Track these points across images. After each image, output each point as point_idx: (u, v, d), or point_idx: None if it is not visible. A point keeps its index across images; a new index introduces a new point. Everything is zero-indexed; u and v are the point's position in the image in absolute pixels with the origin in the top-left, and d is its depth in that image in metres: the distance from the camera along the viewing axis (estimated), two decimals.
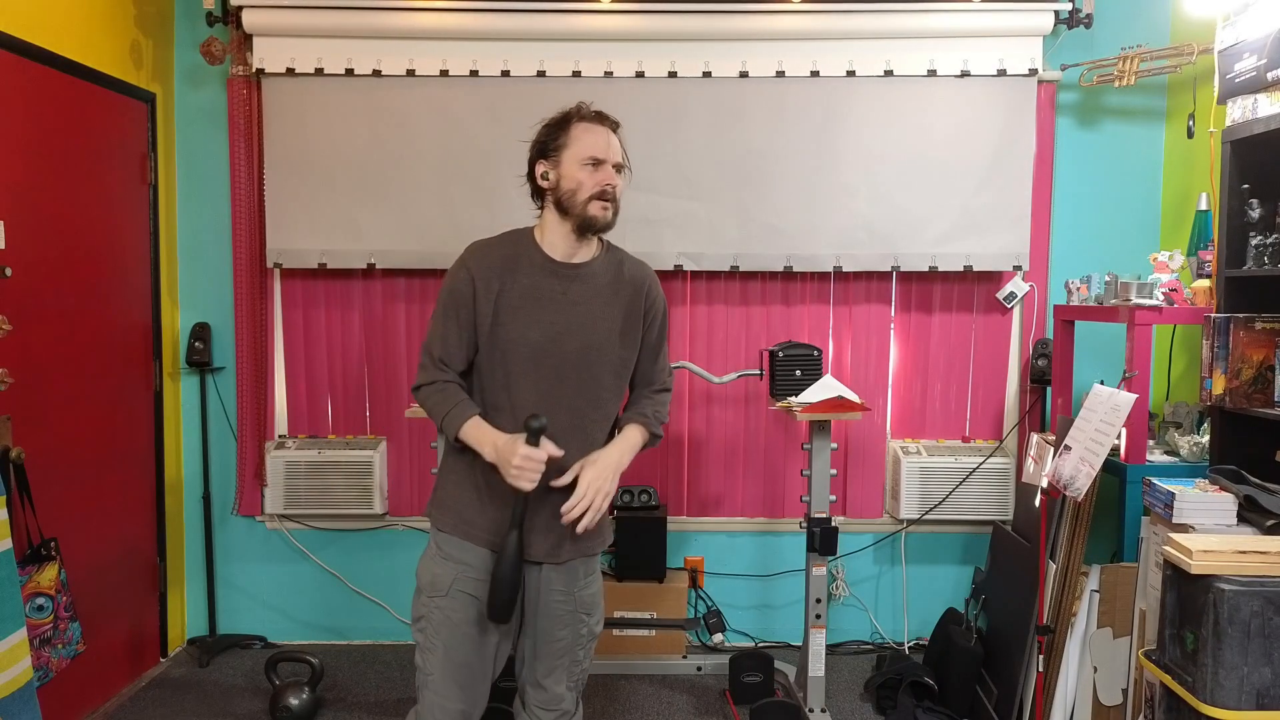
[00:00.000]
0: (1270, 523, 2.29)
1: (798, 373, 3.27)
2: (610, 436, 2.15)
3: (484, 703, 2.15)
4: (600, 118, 2.09)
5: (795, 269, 3.69)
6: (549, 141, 2.07)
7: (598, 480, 2.01)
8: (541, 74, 3.60)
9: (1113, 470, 2.91)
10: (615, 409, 2.17)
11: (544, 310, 2.04)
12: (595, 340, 2.07)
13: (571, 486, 2.02)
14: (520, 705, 2.21)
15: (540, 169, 2.09)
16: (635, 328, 2.15)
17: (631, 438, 2.12)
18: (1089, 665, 2.76)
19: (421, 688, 2.11)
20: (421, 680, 2.11)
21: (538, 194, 2.12)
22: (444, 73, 3.59)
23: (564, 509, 1.99)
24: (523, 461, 1.92)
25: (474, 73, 3.60)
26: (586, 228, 2.05)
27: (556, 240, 2.08)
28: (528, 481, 1.94)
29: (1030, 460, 2.99)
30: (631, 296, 2.13)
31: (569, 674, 2.17)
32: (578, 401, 2.07)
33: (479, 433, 2.01)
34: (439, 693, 2.08)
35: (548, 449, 1.96)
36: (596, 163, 2.03)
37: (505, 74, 3.60)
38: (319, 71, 3.59)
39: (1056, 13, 3.56)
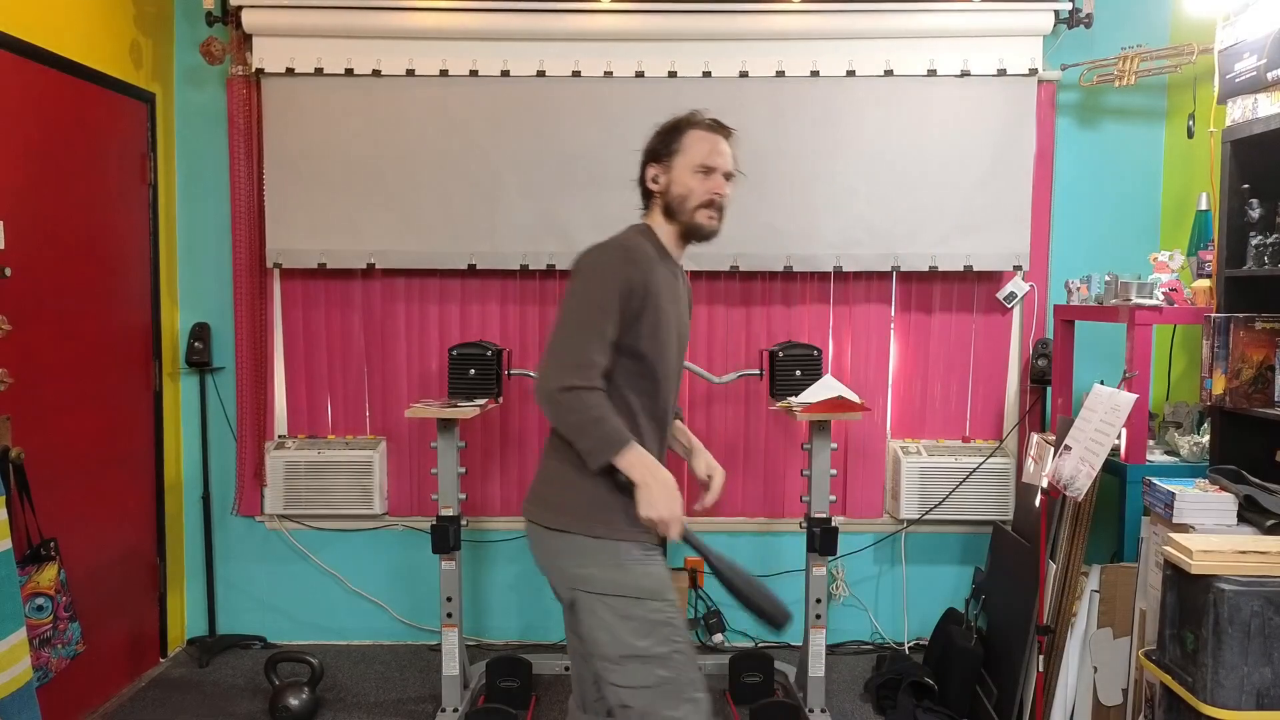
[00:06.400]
0: (1270, 523, 2.29)
1: (798, 373, 3.27)
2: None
3: None
4: (715, 126, 2.08)
5: (795, 269, 3.69)
6: (662, 146, 2.07)
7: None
8: (541, 74, 3.60)
9: (1113, 470, 2.91)
10: None
11: (682, 311, 2.08)
12: (682, 341, 2.14)
13: None
14: (579, 711, 2.23)
15: (651, 172, 2.08)
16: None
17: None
18: (1089, 665, 2.76)
19: (685, 700, 1.92)
20: (678, 690, 1.92)
21: (646, 196, 2.11)
22: (444, 73, 3.59)
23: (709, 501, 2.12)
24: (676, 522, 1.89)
25: (474, 73, 3.60)
26: (692, 234, 2.06)
27: (667, 243, 2.09)
28: (674, 534, 1.90)
29: (1030, 460, 2.99)
30: (689, 294, 2.23)
31: (586, 696, 2.20)
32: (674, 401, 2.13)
33: (645, 461, 1.88)
34: (701, 690, 1.95)
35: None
36: (708, 170, 2.04)
37: (505, 74, 3.60)
38: (319, 71, 3.58)
39: (1056, 12, 3.56)
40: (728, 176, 2.07)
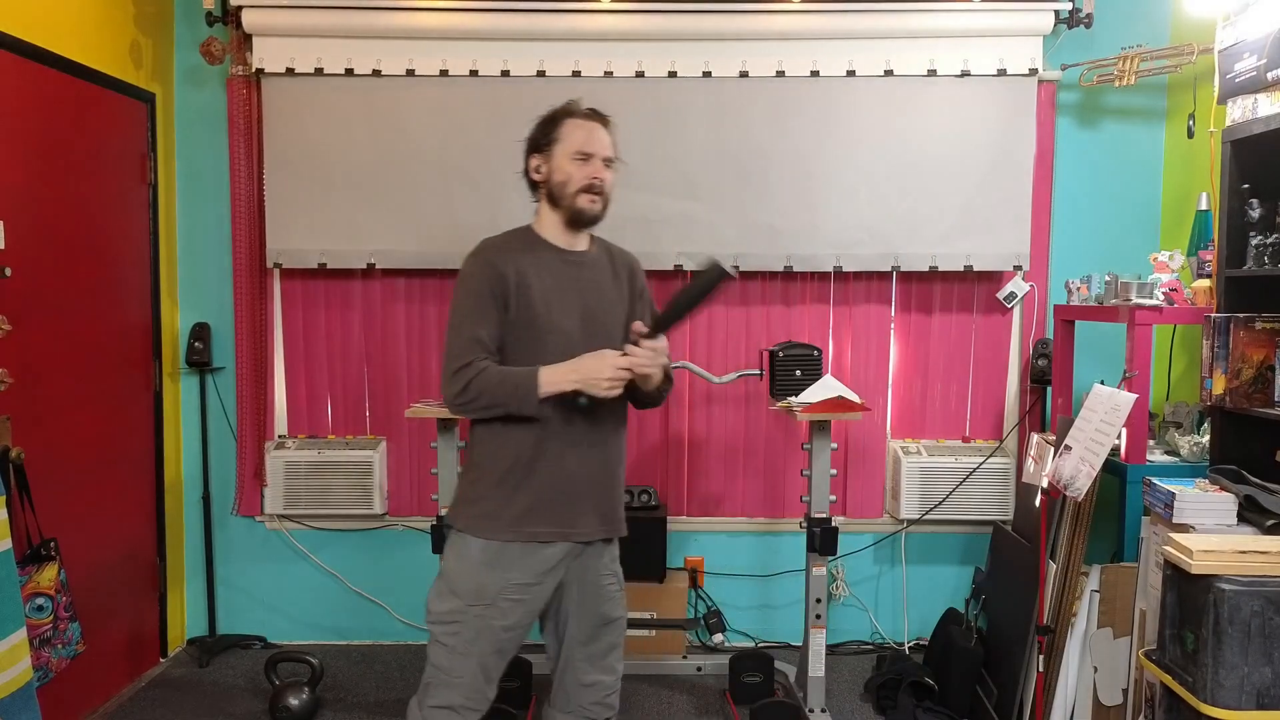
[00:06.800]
0: (1270, 523, 2.29)
1: (798, 373, 3.27)
2: (626, 420, 2.25)
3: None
4: (591, 114, 2.15)
5: (795, 269, 3.69)
6: (542, 136, 2.15)
7: (664, 353, 2.07)
8: (541, 74, 3.60)
9: (1113, 470, 2.91)
10: None
11: (572, 298, 2.12)
12: (614, 324, 2.16)
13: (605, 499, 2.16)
14: (558, 713, 2.23)
15: (534, 162, 2.17)
16: (634, 309, 2.24)
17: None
18: (1089, 665, 2.76)
19: (440, 685, 2.09)
20: (441, 680, 2.09)
21: (533, 187, 2.19)
22: (444, 73, 3.59)
23: (634, 351, 2.04)
24: (638, 356, 2.00)
25: (474, 73, 3.60)
26: (576, 219, 2.13)
27: (555, 232, 2.17)
28: (618, 391, 2.02)
29: (1030, 460, 2.99)
30: (629, 279, 2.26)
31: (619, 652, 2.25)
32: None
33: (555, 374, 2.02)
34: (470, 693, 2.09)
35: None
36: (586, 156, 2.10)
37: (505, 74, 3.60)
38: (319, 71, 3.58)
39: (1056, 12, 3.56)
40: (607, 162, 2.14)
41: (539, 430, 2.07)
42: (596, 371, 2.00)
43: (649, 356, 2.03)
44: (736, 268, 2.13)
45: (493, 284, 2.06)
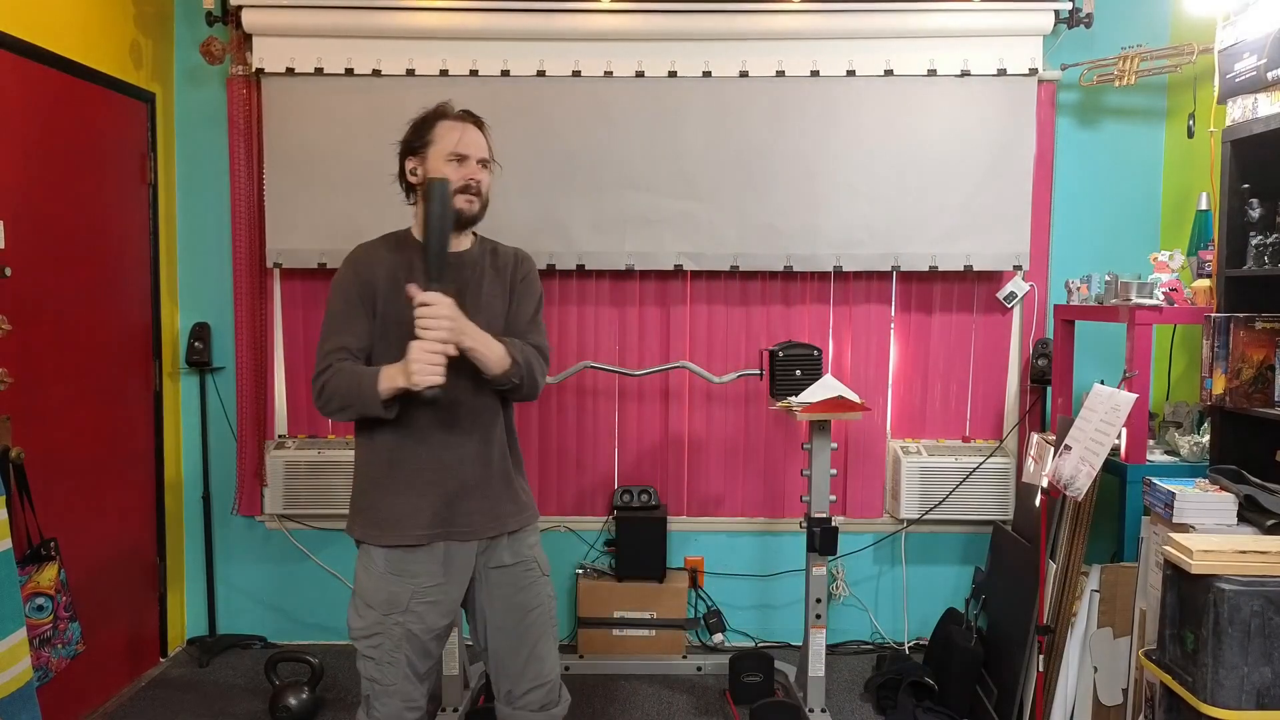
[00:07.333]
0: (1270, 523, 2.29)
1: (798, 373, 3.27)
2: (505, 425, 2.19)
3: (434, 675, 2.22)
4: (464, 115, 2.15)
5: (795, 269, 3.69)
6: (415, 139, 2.14)
7: (443, 309, 1.92)
8: (541, 74, 3.60)
9: (1113, 470, 2.91)
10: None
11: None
12: (490, 321, 2.11)
13: (498, 499, 2.15)
14: (504, 706, 2.22)
15: (409, 165, 2.15)
16: (512, 302, 2.19)
17: (494, 340, 2.04)
18: (1089, 665, 2.76)
19: (378, 696, 2.10)
20: (378, 690, 2.10)
21: (408, 190, 2.19)
22: (444, 73, 3.59)
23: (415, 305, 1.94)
24: (420, 322, 1.91)
25: (474, 72, 3.60)
26: (454, 220, 2.09)
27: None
28: (435, 375, 1.91)
29: (1030, 460, 2.99)
30: (511, 272, 2.20)
31: (552, 637, 2.23)
32: (474, 382, 2.08)
33: (390, 370, 1.96)
34: (406, 697, 2.11)
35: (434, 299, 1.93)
36: (460, 158, 2.10)
37: (505, 74, 3.60)
38: (319, 71, 3.59)
39: (1056, 12, 3.56)
40: (483, 164, 2.13)
41: (404, 432, 2.08)
42: (412, 358, 1.92)
43: (428, 316, 1.91)
44: (447, 184, 2.02)
45: (360, 289, 2.08)
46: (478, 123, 2.16)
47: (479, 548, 2.15)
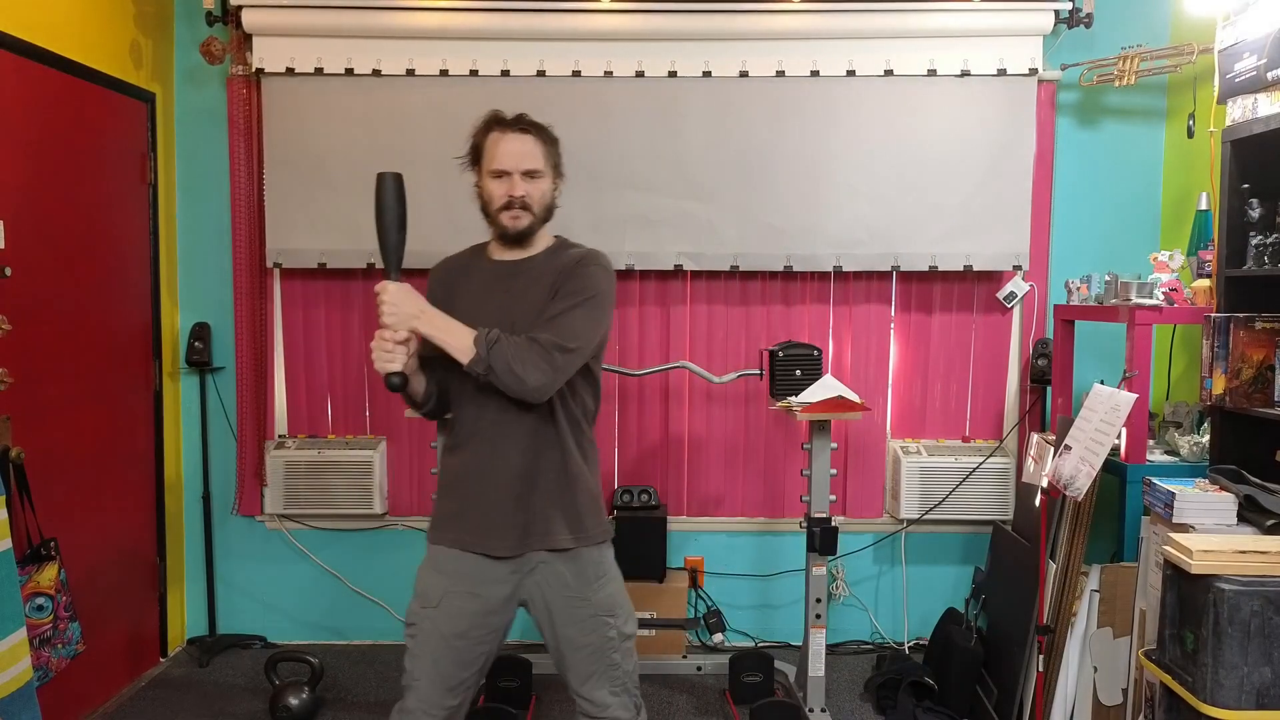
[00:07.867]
0: (1270, 523, 2.29)
1: (798, 373, 3.27)
2: (561, 444, 2.09)
3: (471, 694, 2.17)
4: (511, 124, 2.09)
5: (795, 269, 3.69)
6: (473, 155, 2.15)
7: (397, 294, 1.98)
8: (541, 74, 3.60)
9: (1113, 470, 2.91)
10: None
11: (493, 306, 2.10)
12: (528, 326, 2.03)
13: (529, 492, 2.10)
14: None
15: (475, 179, 2.17)
16: (553, 298, 2.09)
17: (462, 330, 2.00)
18: (1089, 665, 2.76)
19: (408, 687, 2.12)
20: (408, 681, 2.13)
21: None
22: (444, 72, 3.59)
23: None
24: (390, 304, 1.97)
25: (474, 72, 3.60)
26: (503, 236, 2.13)
27: (495, 244, 2.19)
28: (390, 362, 1.97)
29: (1030, 460, 2.99)
30: (560, 273, 2.10)
31: (609, 680, 2.13)
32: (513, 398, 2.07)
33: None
34: (425, 699, 2.10)
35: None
36: (502, 174, 2.08)
37: (505, 74, 3.60)
38: (319, 71, 3.58)
39: (1056, 12, 3.56)
40: (531, 174, 2.08)
41: (462, 440, 2.13)
42: (371, 347, 1.99)
43: (379, 304, 1.98)
44: (399, 174, 2.09)
45: (433, 299, 2.12)
46: (526, 129, 2.08)
47: (525, 567, 2.11)
